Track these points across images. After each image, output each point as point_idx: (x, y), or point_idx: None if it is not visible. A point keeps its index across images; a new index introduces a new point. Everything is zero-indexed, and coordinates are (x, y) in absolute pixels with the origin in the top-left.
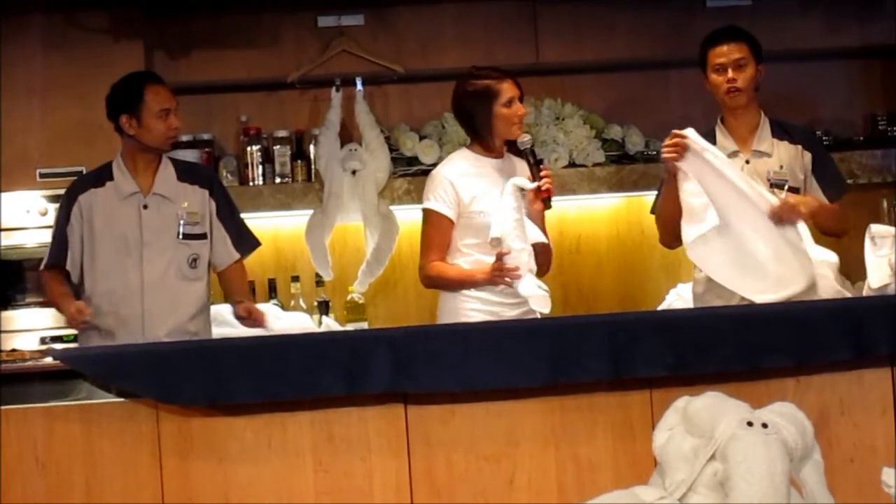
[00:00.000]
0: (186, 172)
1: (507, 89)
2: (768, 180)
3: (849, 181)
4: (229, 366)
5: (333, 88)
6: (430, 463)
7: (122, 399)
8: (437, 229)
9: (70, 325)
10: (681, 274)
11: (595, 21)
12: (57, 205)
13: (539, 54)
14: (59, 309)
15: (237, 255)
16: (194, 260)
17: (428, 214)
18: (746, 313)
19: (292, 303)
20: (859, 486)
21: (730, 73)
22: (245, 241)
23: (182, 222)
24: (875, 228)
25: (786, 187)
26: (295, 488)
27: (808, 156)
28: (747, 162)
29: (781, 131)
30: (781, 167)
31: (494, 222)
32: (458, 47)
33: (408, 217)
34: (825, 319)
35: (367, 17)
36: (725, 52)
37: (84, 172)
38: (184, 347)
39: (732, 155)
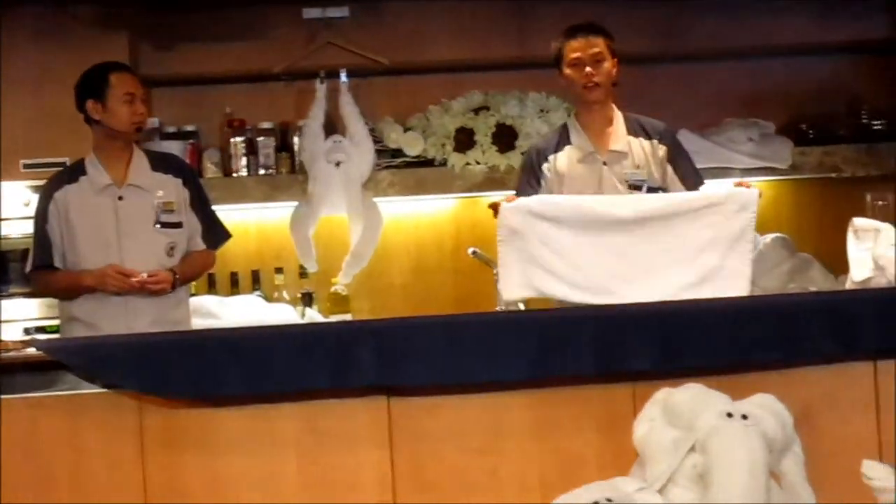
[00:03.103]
0: (160, 162)
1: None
2: (626, 181)
3: (833, 175)
4: (214, 358)
5: (318, 81)
6: (415, 456)
7: (106, 390)
8: None
9: (113, 287)
10: None
11: (581, 16)
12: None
13: (524, 47)
14: (81, 287)
15: (203, 247)
16: (172, 248)
17: None
18: (732, 307)
19: (276, 294)
20: (843, 479)
21: (587, 68)
22: (214, 233)
23: (158, 211)
24: (858, 222)
25: (644, 188)
26: (279, 481)
27: (662, 149)
28: (605, 164)
29: (636, 127)
30: (638, 167)
31: None
32: (443, 40)
33: (392, 209)
34: (810, 313)
35: (352, 9)
36: (582, 47)
37: (65, 165)
38: (168, 339)
39: (588, 157)
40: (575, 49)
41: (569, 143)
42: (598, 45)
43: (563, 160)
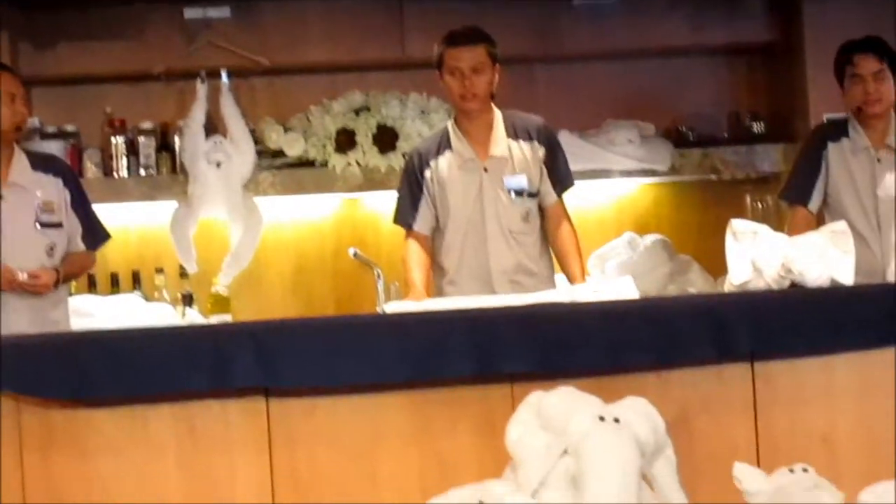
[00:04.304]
0: (40, 162)
1: None
2: (508, 189)
3: (712, 177)
4: (91, 359)
5: (198, 81)
6: (293, 458)
7: None
8: None
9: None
10: None
11: (461, 17)
12: None
13: (405, 49)
14: None
15: (83, 247)
16: (51, 248)
17: None
18: (609, 310)
19: (156, 295)
20: (719, 482)
21: (467, 79)
22: (94, 235)
23: (39, 211)
24: (736, 224)
25: (525, 195)
26: (156, 482)
27: (542, 150)
28: (486, 170)
29: (516, 129)
30: (518, 171)
31: None
32: (324, 41)
33: (273, 210)
34: (687, 316)
35: (233, 9)
36: (462, 57)
37: None
38: (45, 340)
39: (469, 163)
40: (454, 58)
41: (449, 147)
42: (479, 54)
43: (444, 166)
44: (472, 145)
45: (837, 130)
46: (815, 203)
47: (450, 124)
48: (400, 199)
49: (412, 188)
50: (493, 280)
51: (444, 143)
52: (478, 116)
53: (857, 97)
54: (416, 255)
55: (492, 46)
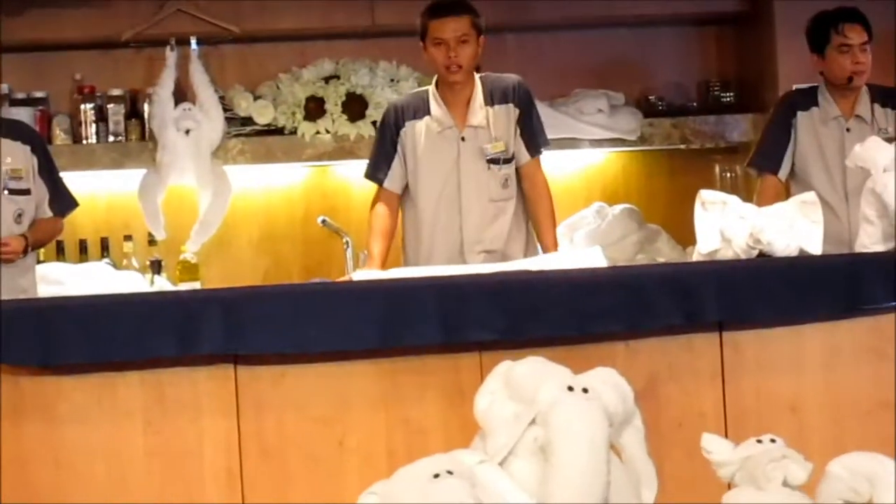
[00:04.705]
0: (8, 129)
1: None
2: (485, 157)
3: (682, 146)
4: (59, 326)
5: (168, 48)
6: (261, 425)
7: None
8: None
9: None
10: None
11: None
12: None
13: (375, 17)
14: None
15: (50, 214)
16: (19, 215)
17: None
18: (578, 278)
19: (125, 262)
20: (687, 450)
21: (452, 50)
22: (61, 201)
23: (6, 178)
24: (705, 194)
25: (501, 161)
26: (125, 449)
27: (517, 112)
28: (463, 139)
29: (493, 93)
30: (497, 138)
31: None
32: (294, 9)
33: (242, 178)
34: (655, 285)
35: None
36: (448, 28)
37: None
38: (12, 307)
39: (447, 132)
40: (439, 29)
41: (428, 113)
42: (464, 25)
43: (421, 130)
44: (451, 113)
45: (807, 99)
46: (784, 171)
47: (430, 89)
48: (373, 154)
49: (386, 144)
50: (464, 251)
51: (422, 108)
52: (460, 86)
53: (847, 67)
54: (380, 221)
55: (476, 17)
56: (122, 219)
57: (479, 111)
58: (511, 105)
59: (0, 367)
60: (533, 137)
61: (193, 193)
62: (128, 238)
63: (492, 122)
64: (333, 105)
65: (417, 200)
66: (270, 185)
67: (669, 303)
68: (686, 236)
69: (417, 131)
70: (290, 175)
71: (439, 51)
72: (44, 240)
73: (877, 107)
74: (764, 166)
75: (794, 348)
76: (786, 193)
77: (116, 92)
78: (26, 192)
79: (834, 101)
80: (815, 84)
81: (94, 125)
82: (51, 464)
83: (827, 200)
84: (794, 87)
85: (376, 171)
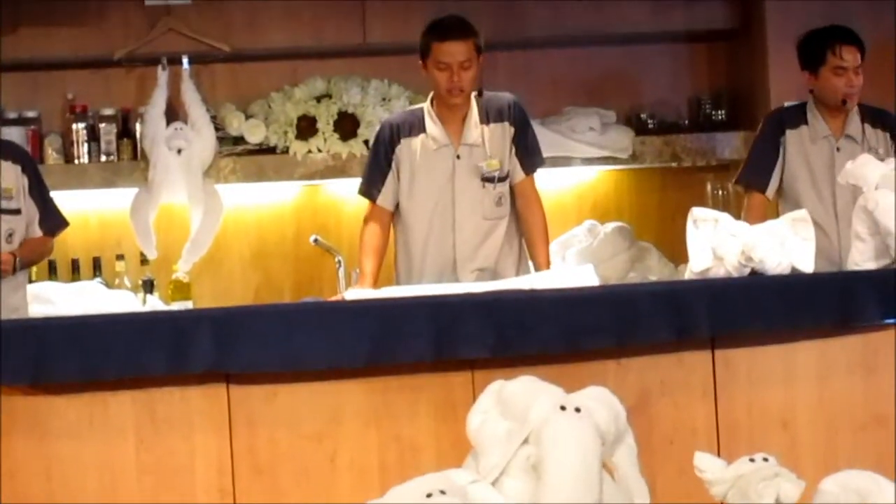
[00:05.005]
0: None
1: None
2: (480, 175)
3: (673, 164)
4: (52, 344)
5: (160, 67)
6: (253, 442)
7: None
8: None
9: None
10: None
11: (422, 4)
12: None
13: (366, 35)
14: None
15: (40, 234)
16: (10, 235)
17: None
18: (569, 295)
19: (117, 281)
20: (679, 467)
21: (455, 74)
22: (51, 221)
23: None
24: (697, 212)
25: (496, 180)
26: (117, 467)
27: (512, 130)
28: (458, 157)
29: (490, 112)
30: (492, 157)
31: None
32: (285, 27)
33: (233, 196)
34: (647, 301)
35: None
36: (452, 53)
37: None
38: (3, 326)
39: (442, 150)
40: (444, 52)
41: (424, 131)
42: (468, 49)
43: (416, 147)
44: (447, 131)
45: (795, 117)
46: (771, 189)
47: (426, 107)
48: (367, 170)
49: (380, 161)
50: (457, 268)
51: (417, 125)
52: (458, 106)
53: (841, 89)
54: (372, 239)
55: (478, 39)
56: (114, 238)
57: (475, 129)
58: (507, 123)
59: None
60: (528, 156)
61: (185, 212)
62: (120, 257)
63: (487, 140)
64: (325, 124)
65: (410, 218)
66: (262, 204)
67: (661, 319)
68: (677, 254)
69: (413, 149)
70: (281, 194)
71: (442, 74)
72: (34, 259)
73: (867, 126)
74: (752, 183)
75: (786, 364)
76: (774, 211)
77: (108, 111)
78: (17, 211)
79: (823, 120)
80: (804, 101)
81: (85, 144)
82: (44, 481)
83: (815, 219)
84: (786, 104)
85: (370, 188)
